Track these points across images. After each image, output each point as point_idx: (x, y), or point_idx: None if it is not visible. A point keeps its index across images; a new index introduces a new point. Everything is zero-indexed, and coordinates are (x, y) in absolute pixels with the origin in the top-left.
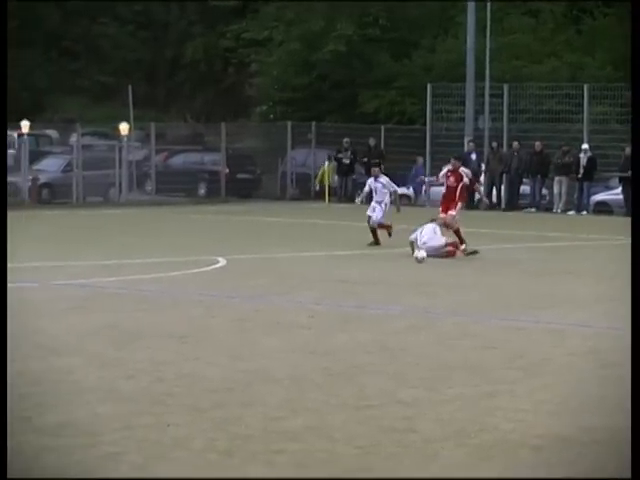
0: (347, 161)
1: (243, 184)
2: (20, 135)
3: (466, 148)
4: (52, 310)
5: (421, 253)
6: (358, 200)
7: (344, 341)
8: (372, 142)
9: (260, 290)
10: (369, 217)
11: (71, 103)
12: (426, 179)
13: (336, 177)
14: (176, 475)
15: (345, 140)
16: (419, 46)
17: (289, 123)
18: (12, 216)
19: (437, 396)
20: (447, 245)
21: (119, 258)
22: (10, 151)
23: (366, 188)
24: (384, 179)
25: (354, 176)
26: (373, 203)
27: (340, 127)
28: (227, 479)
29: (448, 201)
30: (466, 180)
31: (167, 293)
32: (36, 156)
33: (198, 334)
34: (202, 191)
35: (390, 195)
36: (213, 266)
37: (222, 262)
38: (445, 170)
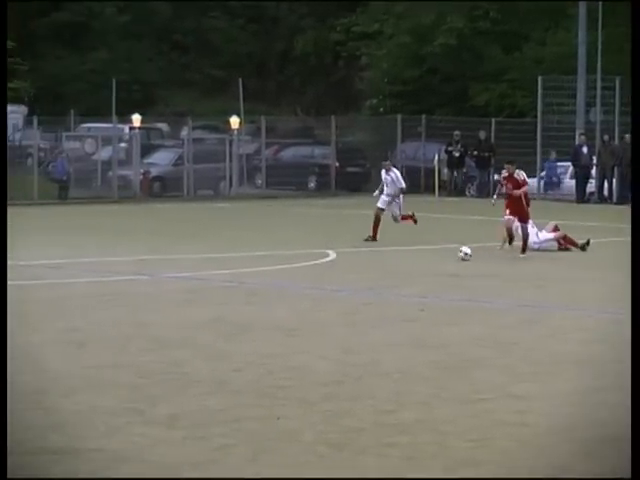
0: (457, 154)
1: (353, 177)
2: (132, 128)
3: (577, 141)
4: (162, 303)
5: (464, 250)
6: (375, 193)
7: (454, 335)
8: (482, 135)
9: (369, 283)
10: (380, 209)
11: (182, 96)
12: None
13: (446, 170)
14: (286, 467)
15: (455, 133)
16: (530, 39)
17: (399, 116)
18: (124, 209)
19: (548, 390)
20: (556, 239)
21: (228, 251)
22: (122, 144)
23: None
24: (394, 174)
25: (464, 169)
26: (384, 196)
27: (450, 120)
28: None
29: (513, 206)
30: (525, 187)
31: (276, 286)
32: (147, 150)
33: (307, 327)
34: (312, 185)
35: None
36: (323, 259)
37: (332, 255)
38: (502, 176)
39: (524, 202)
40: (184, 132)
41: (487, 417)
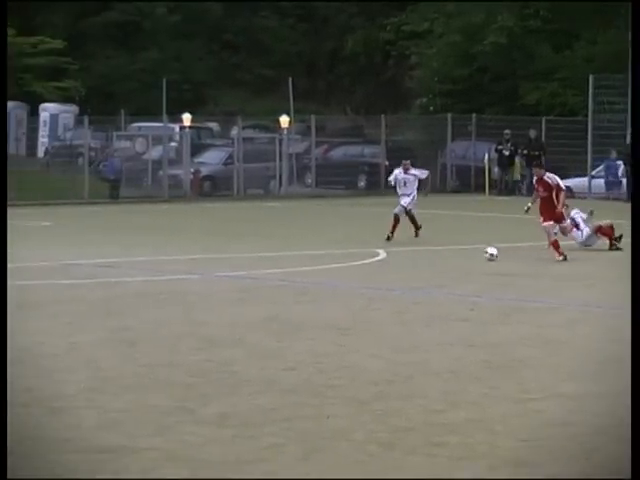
0: (507, 153)
1: None
2: (182, 128)
3: (628, 140)
4: (214, 302)
5: (491, 250)
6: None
7: (504, 334)
8: (533, 134)
9: (420, 282)
10: (405, 210)
11: (232, 96)
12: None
13: (496, 169)
14: (337, 466)
15: (505, 132)
16: (580, 37)
17: (449, 115)
18: (174, 209)
19: (597, 390)
20: (595, 230)
21: (279, 250)
22: (172, 144)
23: (391, 177)
24: (416, 171)
25: (516, 168)
26: (400, 197)
27: (500, 119)
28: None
29: (546, 210)
30: (563, 190)
31: (328, 285)
32: (198, 149)
33: (359, 326)
34: (362, 183)
35: (427, 179)
36: (373, 259)
37: (382, 255)
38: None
39: (557, 205)
40: (234, 131)
41: (537, 417)
